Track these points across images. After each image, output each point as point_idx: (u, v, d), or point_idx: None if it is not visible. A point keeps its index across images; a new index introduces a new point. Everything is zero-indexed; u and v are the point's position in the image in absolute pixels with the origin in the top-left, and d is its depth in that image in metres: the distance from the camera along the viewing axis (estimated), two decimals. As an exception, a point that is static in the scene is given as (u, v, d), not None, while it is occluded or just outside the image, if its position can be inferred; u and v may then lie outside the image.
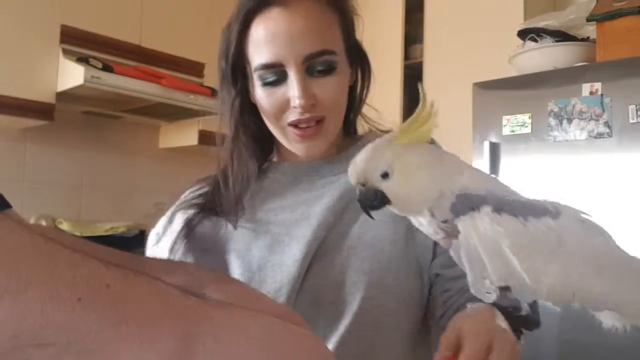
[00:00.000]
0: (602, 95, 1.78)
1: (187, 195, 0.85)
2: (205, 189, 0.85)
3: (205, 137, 2.68)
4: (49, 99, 2.22)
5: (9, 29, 2.13)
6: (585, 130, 1.80)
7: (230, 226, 0.81)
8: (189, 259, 0.79)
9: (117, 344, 0.33)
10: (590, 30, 2.08)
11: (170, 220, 0.82)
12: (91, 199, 2.61)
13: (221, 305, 0.39)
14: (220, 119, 0.85)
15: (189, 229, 0.81)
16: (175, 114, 2.60)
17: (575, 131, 1.82)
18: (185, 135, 2.76)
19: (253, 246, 0.79)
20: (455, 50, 2.56)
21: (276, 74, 0.74)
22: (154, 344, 0.34)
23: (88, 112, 2.57)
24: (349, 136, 0.90)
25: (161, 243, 0.81)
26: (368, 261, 0.77)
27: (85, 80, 2.11)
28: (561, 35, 2.09)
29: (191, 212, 0.82)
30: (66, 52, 2.24)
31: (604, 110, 1.77)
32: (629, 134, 1.73)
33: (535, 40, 2.11)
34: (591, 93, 1.80)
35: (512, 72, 2.12)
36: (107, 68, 2.20)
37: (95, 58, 2.23)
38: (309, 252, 0.76)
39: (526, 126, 1.93)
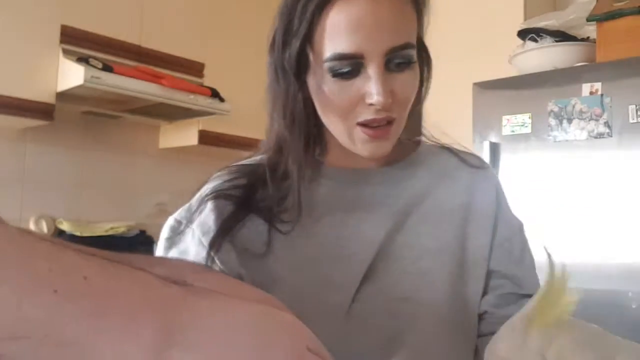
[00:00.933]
0: (602, 95, 1.78)
1: (219, 184, 0.74)
2: (242, 181, 0.74)
3: (205, 137, 2.68)
4: (49, 99, 2.22)
5: (9, 29, 2.13)
6: (585, 130, 1.80)
7: (266, 230, 0.71)
8: (232, 258, 0.69)
9: (95, 336, 0.32)
10: (590, 30, 2.08)
11: (200, 210, 0.72)
12: (91, 199, 2.61)
13: (203, 292, 0.39)
14: (270, 104, 0.74)
15: (232, 222, 0.70)
16: (175, 114, 2.60)
17: (575, 131, 1.82)
18: (185, 135, 2.76)
19: (301, 259, 0.71)
20: (455, 50, 2.55)
21: (351, 65, 0.66)
22: (133, 335, 0.33)
23: (88, 112, 2.57)
24: (402, 141, 0.82)
25: (186, 235, 0.71)
26: (423, 288, 0.71)
27: (85, 80, 2.11)
28: (561, 35, 2.09)
29: (230, 204, 0.71)
30: (66, 52, 2.24)
31: (604, 110, 1.77)
32: (629, 134, 1.73)
33: (536, 40, 2.11)
34: (591, 93, 1.80)
35: (512, 72, 2.12)
36: (107, 68, 2.20)
37: (95, 58, 2.23)
38: (360, 271, 0.70)
39: (526, 126, 1.93)
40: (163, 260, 0.65)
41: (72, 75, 2.18)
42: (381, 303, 0.70)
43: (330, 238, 0.72)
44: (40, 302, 0.31)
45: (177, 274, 0.46)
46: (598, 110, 1.78)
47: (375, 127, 0.68)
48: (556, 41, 2.08)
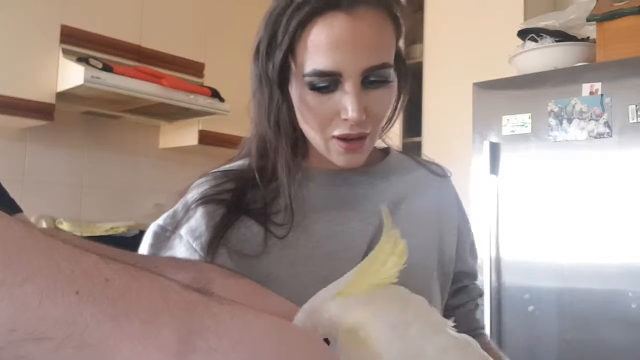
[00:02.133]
0: (602, 95, 1.78)
1: (206, 189, 0.74)
2: (230, 185, 0.75)
3: (205, 137, 2.68)
4: (49, 99, 2.22)
5: (9, 29, 2.13)
6: (585, 130, 1.80)
7: (261, 231, 0.72)
8: (227, 261, 0.70)
9: (116, 338, 0.32)
10: (591, 30, 2.08)
11: (188, 216, 0.72)
12: (91, 199, 2.61)
13: (224, 301, 0.39)
14: (255, 111, 0.77)
15: (225, 225, 0.71)
16: (175, 114, 2.60)
17: (575, 131, 1.82)
18: (185, 135, 2.76)
19: (296, 257, 0.72)
20: (455, 50, 2.56)
21: (329, 81, 0.69)
22: (154, 339, 0.33)
23: (88, 112, 2.57)
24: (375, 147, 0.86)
25: (173, 241, 0.71)
26: (412, 282, 0.76)
27: (85, 80, 2.11)
28: (561, 35, 2.09)
29: (220, 208, 0.72)
30: (66, 52, 2.25)
31: (603, 110, 1.77)
32: (628, 134, 1.72)
33: (536, 40, 2.11)
34: (591, 93, 1.80)
35: (512, 72, 2.12)
36: (107, 68, 2.20)
37: (95, 58, 2.23)
38: (353, 267, 0.74)
39: (526, 126, 1.93)
40: (192, 263, 0.65)
41: (72, 75, 2.18)
42: None
43: (322, 235, 0.74)
44: (62, 302, 0.31)
45: (205, 280, 0.46)
46: (598, 110, 1.78)
47: (350, 140, 0.71)
48: (556, 41, 2.08)
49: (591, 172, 1.79)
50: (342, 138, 0.71)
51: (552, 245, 1.84)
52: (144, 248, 0.72)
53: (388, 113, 0.76)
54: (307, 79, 0.69)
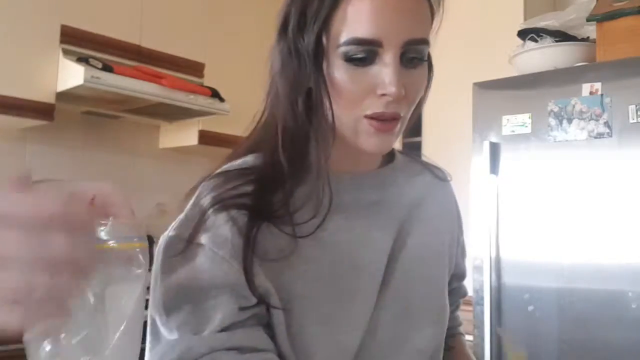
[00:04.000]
0: (602, 95, 1.78)
1: (221, 193, 0.66)
2: (248, 187, 0.67)
3: (205, 137, 2.68)
4: (49, 99, 2.22)
5: (9, 29, 2.13)
6: (585, 130, 1.80)
7: (283, 237, 0.66)
8: (259, 271, 0.64)
9: None
10: (590, 30, 2.08)
11: (207, 222, 0.64)
12: (91, 199, 2.60)
13: None
14: (275, 97, 0.70)
15: (252, 234, 0.64)
16: (175, 114, 2.60)
17: (575, 131, 1.82)
18: (185, 135, 2.76)
19: (320, 273, 0.68)
20: (455, 50, 2.55)
21: (367, 52, 0.63)
22: None
23: (88, 112, 2.57)
24: None
25: (194, 251, 0.63)
26: (433, 290, 0.79)
27: (85, 80, 2.11)
28: (561, 35, 2.09)
29: (242, 214, 0.65)
30: (66, 52, 2.24)
31: (603, 110, 1.77)
32: (628, 134, 1.72)
33: (536, 40, 2.11)
34: (591, 93, 1.80)
35: (512, 72, 2.12)
36: (107, 68, 2.20)
37: (95, 58, 2.23)
38: (377, 280, 0.72)
39: (526, 126, 1.93)
40: None
41: (72, 75, 2.18)
42: (397, 310, 0.73)
43: (343, 247, 0.70)
44: None
45: None
46: (598, 110, 1.78)
47: (383, 120, 0.66)
48: (556, 41, 2.08)
49: (591, 172, 1.79)
50: (375, 118, 0.65)
51: (552, 245, 1.84)
52: (164, 262, 0.64)
53: (420, 96, 0.70)
54: (343, 49, 0.63)
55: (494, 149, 1.98)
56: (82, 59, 2.20)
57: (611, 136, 1.75)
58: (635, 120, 1.71)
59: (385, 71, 0.63)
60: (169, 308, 0.61)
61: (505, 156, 1.97)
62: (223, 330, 0.61)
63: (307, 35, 0.65)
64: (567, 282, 1.80)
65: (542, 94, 1.90)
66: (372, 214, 0.74)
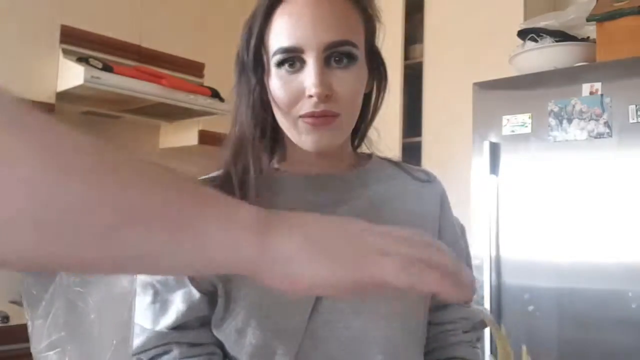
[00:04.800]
0: (602, 95, 1.78)
1: None
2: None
3: (205, 137, 2.68)
4: (49, 99, 2.22)
5: (9, 29, 2.13)
6: (585, 130, 1.80)
7: None
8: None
9: (204, 220, 0.39)
10: (590, 30, 2.08)
11: None
12: (91, 199, 2.60)
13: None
14: (235, 113, 0.79)
15: None
16: (175, 114, 2.59)
17: (575, 131, 1.82)
18: (185, 135, 2.76)
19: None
20: (455, 50, 2.56)
21: (294, 59, 0.71)
22: (236, 221, 0.40)
23: (88, 112, 2.57)
24: (356, 152, 0.87)
25: None
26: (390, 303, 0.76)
27: (85, 80, 2.11)
28: (561, 35, 2.09)
29: None
30: (66, 52, 2.24)
31: (603, 110, 1.77)
32: (628, 134, 1.72)
33: (535, 40, 2.11)
34: (591, 93, 1.80)
35: (512, 72, 2.12)
36: (107, 68, 2.20)
37: (95, 58, 2.23)
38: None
39: (526, 126, 1.93)
40: None
41: (72, 75, 2.18)
42: (338, 316, 0.73)
43: None
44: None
45: None
46: (598, 110, 1.78)
47: (316, 117, 0.71)
48: (556, 41, 2.08)
49: (591, 172, 1.79)
50: (308, 116, 0.71)
51: (552, 245, 1.84)
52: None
53: (358, 98, 0.75)
54: (274, 58, 0.72)
55: (494, 149, 1.98)
56: (82, 59, 2.20)
57: (611, 136, 1.75)
58: (635, 120, 1.71)
59: (308, 74, 0.70)
60: (139, 291, 0.72)
61: (505, 156, 1.97)
62: (175, 328, 0.73)
63: (249, 53, 0.75)
64: (567, 282, 1.80)
65: (542, 94, 1.90)
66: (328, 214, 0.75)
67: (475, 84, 2.08)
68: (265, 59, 0.74)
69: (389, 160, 0.88)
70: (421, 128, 2.66)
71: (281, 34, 0.71)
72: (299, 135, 0.73)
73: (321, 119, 0.71)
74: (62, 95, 2.25)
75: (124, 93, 2.25)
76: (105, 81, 2.17)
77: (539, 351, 1.83)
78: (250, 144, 0.75)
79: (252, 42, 0.74)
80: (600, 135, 1.78)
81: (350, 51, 0.71)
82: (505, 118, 1.97)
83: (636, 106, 1.71)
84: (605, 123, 1.77)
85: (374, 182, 0.81)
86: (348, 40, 0.71)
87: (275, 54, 0.71)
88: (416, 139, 2.68)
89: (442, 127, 2.56)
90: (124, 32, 2.42)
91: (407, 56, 2.77)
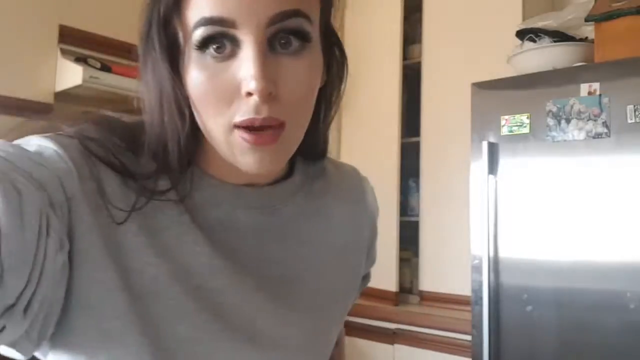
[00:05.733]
0: (600, 95, 1.78)
1: (90, 134, 0.55)
2: (120, 146, 0.56)
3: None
4: (47, 99, 2.22)
5: (7, 29, 2.12)
6: (584, 131, 1.81)
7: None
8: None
9: None
10: (589, 31, 2.08)
11: (62, 138, 0.52)
12: (89, 199, 2.60)
13: None
14: (142, 105, 0.57)
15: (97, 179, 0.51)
16: (174, 114, 2.59)
17: (574, 131, 1.82)
18: (183, 135, 2.75)
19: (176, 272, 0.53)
20: (453, 50, 2.56)
21: (223, 39, 0.49)
22: None
23: (86, 112, 2.57)
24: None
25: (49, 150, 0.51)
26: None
27: (84, 80, 2.11)
28: (559, 36, 2.09)
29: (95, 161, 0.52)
30: (64, 52, 2.24)
31: (602, 111, 1.78)
32: (627, 134, 1.73)
33: (534, 41, 2.11)
34: (589, 93, 1.80)
35: (511, 72, 2.12)
36: (105, 68, 2.20)
37: (93, 58, 2.23)
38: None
39: (524, 126, 1.93)
40: None
41: (70, 75, 2.18)
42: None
43: (212, 277, 0.56)
44: None
45: None
46: (596, 111, 1.79)
47: (258, 130, 0.50)
48: (554, 41, 2.08)
49: (589, 172, 1.79)
50: (245, 126, 0.50)
51: (551, 245, 1.84)
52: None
53: (312, 98, 0.54)
54: (195, 35, 0.49)
55: (493, 149, 1.99)
56: (80, 59, 2.20)
57: (609, 136, 1.76)
58: (633, 121, 1.72)
59: (245, 62, 0.48)
60: None
61: (503, 156, 1.98)
62: None
63: (158, 22, 0.52)
64: (565, 282, 1.80)
65: (541, 94, 1.90)
66: (247, 251, 0.58)
67: (473, 84, 2.08)
68: (181, 38, 0.51)
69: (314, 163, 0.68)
70: (419, 128, 2.66)
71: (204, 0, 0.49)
72: (233, 151, 0.52)
73: (263, 135, 0.50)
74: (61, 96, 2.25)
75: (123, 93, 2.25)
76: (103, 81, 2.17)
77: (538, 351, 1.83)
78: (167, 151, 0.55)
79: (161, 7, 0.51)
80: (598, 136, 1.78)
81: (302, 27, 0.50)
82: (503, 118, 1.97)
83: (634, 106, 1.72)
84: (603, 123, 1.77)
85: (301, 197, 0.64)
86: (299, 10, 0.50)
87: (195, 27, 0.49)
88: (414, 139, 2.68)
89: (440, 127, 2.56)
90: (122, 32, 2.42)
91: (405, 56, 2.77)
